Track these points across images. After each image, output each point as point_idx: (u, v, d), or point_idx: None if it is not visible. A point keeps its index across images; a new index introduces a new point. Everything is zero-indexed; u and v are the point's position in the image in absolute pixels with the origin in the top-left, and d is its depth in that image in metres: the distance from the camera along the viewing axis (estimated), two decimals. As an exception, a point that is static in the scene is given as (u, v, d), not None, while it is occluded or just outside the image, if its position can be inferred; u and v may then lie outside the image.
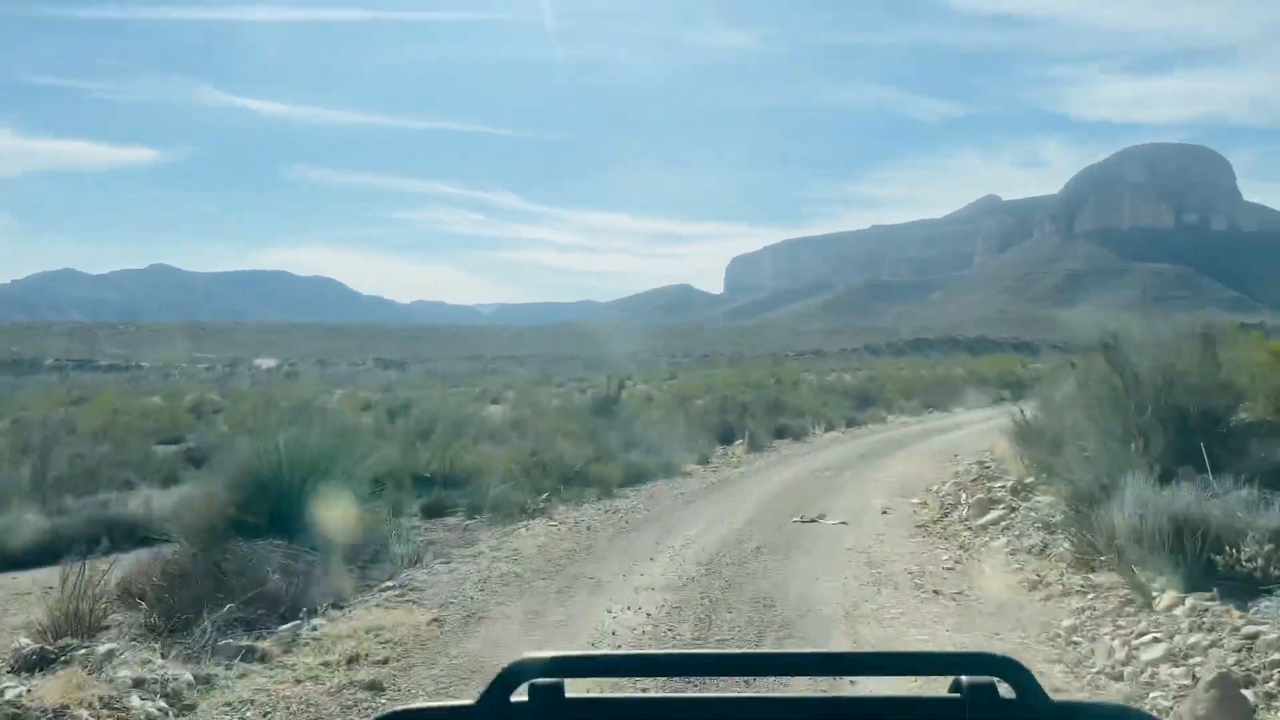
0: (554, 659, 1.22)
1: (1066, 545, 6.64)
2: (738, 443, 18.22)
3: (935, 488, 12.11)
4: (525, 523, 10.82)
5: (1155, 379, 7.43)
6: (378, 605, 6.88)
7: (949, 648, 5.51)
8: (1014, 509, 8.89)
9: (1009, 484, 10.10)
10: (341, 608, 6.95)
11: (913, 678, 1.30)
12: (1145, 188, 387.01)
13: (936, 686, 1.26)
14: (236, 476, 9.12)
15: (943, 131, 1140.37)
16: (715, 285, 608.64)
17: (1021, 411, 13.60)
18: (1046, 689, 1.17)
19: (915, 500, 11.43)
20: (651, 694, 1.35)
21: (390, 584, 7.60)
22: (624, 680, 1.38)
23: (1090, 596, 5.78)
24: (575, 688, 1.21)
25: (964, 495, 10.43)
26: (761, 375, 38.68)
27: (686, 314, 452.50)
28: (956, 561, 7.80)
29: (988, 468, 12.93)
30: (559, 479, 13.20)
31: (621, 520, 10.83)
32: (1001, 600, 6.16)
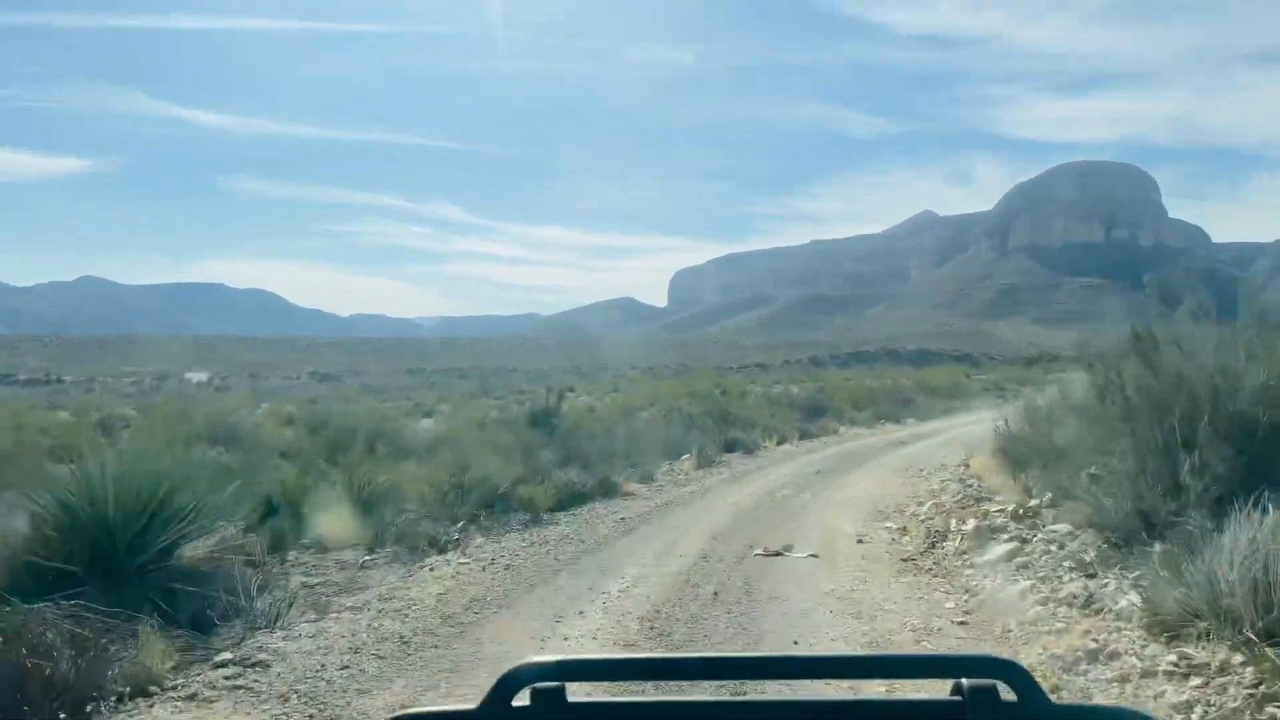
0: (555, 663, 1.21)
1: (1133, 600, 4.99)
2: (685, 457, 16.53)
3: (911, 510, 10.53)
4: (434, 558, 8.94)
5: (1210, 382, 5.91)
6: (193, 695, 4.94)
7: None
8: (1024, 540, 7.24)
9: (1007, 507, 8.49)
10: (149, 695, 5.02)
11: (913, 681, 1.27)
12: (1076, 204, 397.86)
13: (937, 689, 1.26)
14: (48, 511, 7.10)
15: (879, 148, 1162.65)
16: (659, 298, 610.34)
17: (1006, 421, 12.17)
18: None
19: (891, 525, 9.81)
20: (654, 698, 1.29)
21: (228, 656, 5.66)
22: (626, 684, 1.30)
23: (1196, 684, 4.04)
24: (577, 692, 1.20)
25: (953, 521, 8.81)
26: (707, 386, 37.15)
27: (630, 326, 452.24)
28: (968, 612, 6.13)
29: (969, 485, 11.41)
30: (481, 503, 11.33)
31: (549, 555, 8.99)
32: (1052, 679, 4.49)
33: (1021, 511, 8.00)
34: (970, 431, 24.08)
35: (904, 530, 9.27)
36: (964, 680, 1.18)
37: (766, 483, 14.04)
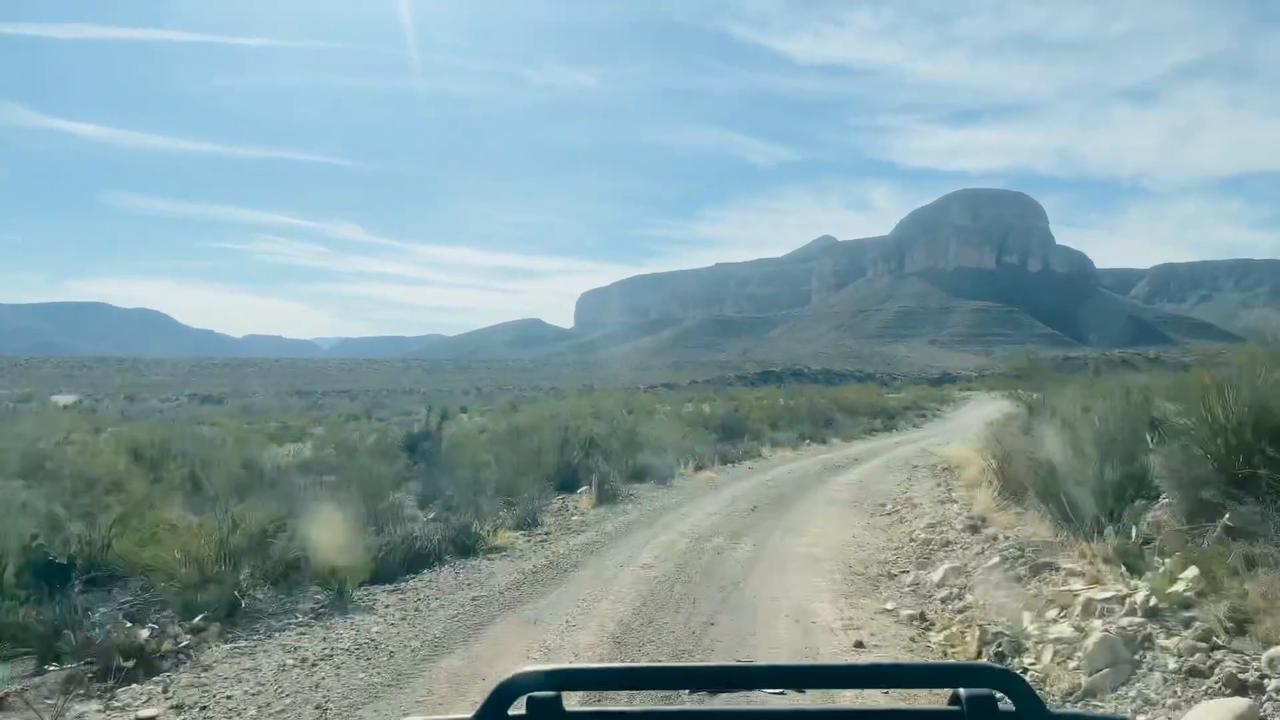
0: (551, 672, 1.21)
1: None
2: (582, 490, 12.79)
3: (911, 575, 7.10)
4: (128, 689, 4.99)
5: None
6: None
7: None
8: (1249, 684, 3.68)
9: (1118, 592, 4.90)
10: None
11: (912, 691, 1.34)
12: (968, 230, 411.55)
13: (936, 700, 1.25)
14: None
15: (780, 174, 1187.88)
16: (565, 320, 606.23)
17: (996, 444, 8.90)
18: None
19: (892, 605, 6.32)
20: (649, 707, 1.35)
21: None
22: (621, 694, 1.44)
23: None
24: (573, 701, 1.20)
25: (1024, 615, 5.24)
26: (613, 405, 33.53)
27: (535, 348, 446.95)
28: None
29: (980, 532, 7.98)
30: (268, 572, 7.36)
31: (315, 691, 5.07)
32: None
33: (1155, 603, 4.48)
34: (905, 453, 21.34)
35: (922, 619, 5.73)
36: (962, 690, 1.18)
37: (689, 526, 10.43)
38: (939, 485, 12.86)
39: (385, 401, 52.59)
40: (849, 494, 13.23)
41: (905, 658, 5.10)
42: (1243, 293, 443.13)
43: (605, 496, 12.34)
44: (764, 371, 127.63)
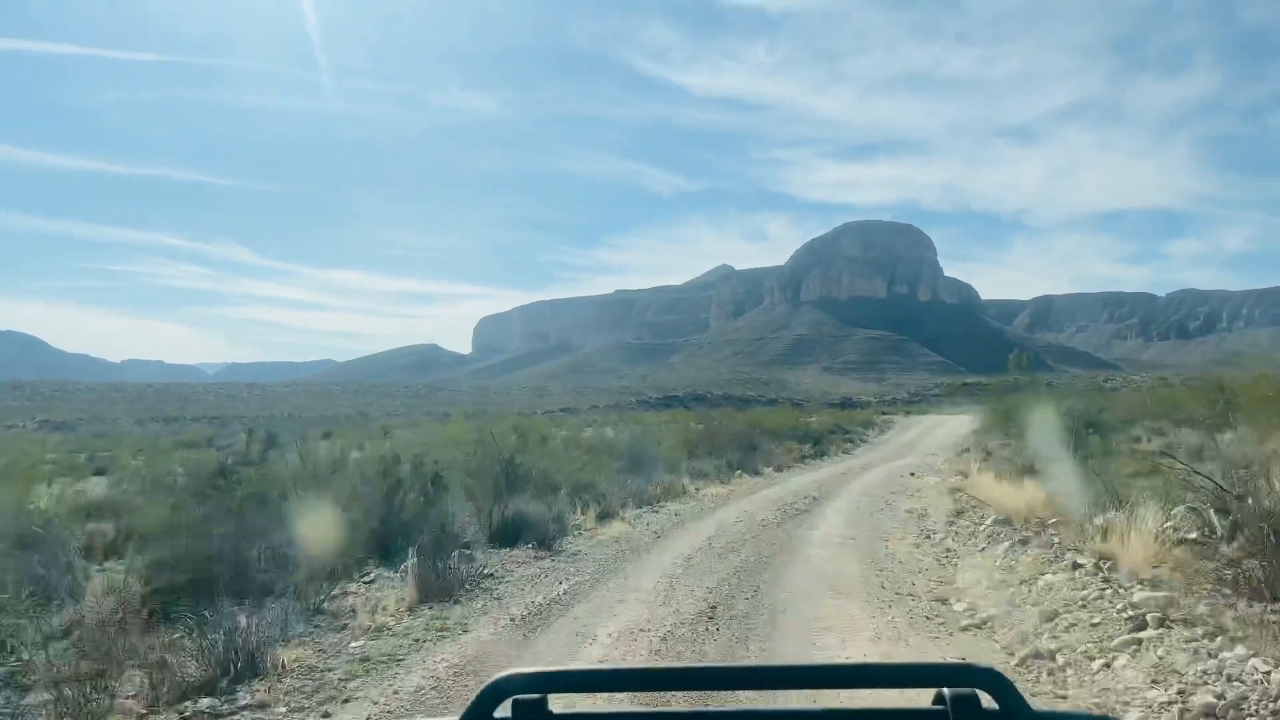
0: (537, 674, 1.22)
1: None
2: (407, 565, 7.82)
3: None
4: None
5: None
6: None
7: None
8: None
9: None
10: None
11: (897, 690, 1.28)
12: (861, 261, 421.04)
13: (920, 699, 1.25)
14: None
15: (680, 204, 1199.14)
16: (463, 345, 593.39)
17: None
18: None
19: None
20: (635, 709, 1.38)
21: None
22: (608, 695, 1.38)
23: None
24: (559, 703, 1.21)
25: None
26: (502, 430, 28.69)
27: (432, 373, 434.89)
28: None
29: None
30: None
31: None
32: None
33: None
34: (867, 485, 17.32)
35: None
36: (945, 689, 1.19)
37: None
38: (984, 543, 8.58)
39: (238, 428, 46.42)
40: (853, 564, 8.73)
41: None
42: (1116, 324, 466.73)
43: (437, 584, 7.38)
44: (666, 396, 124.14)
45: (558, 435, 32.64)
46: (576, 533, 10.51)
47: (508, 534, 9.19)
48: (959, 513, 11.07)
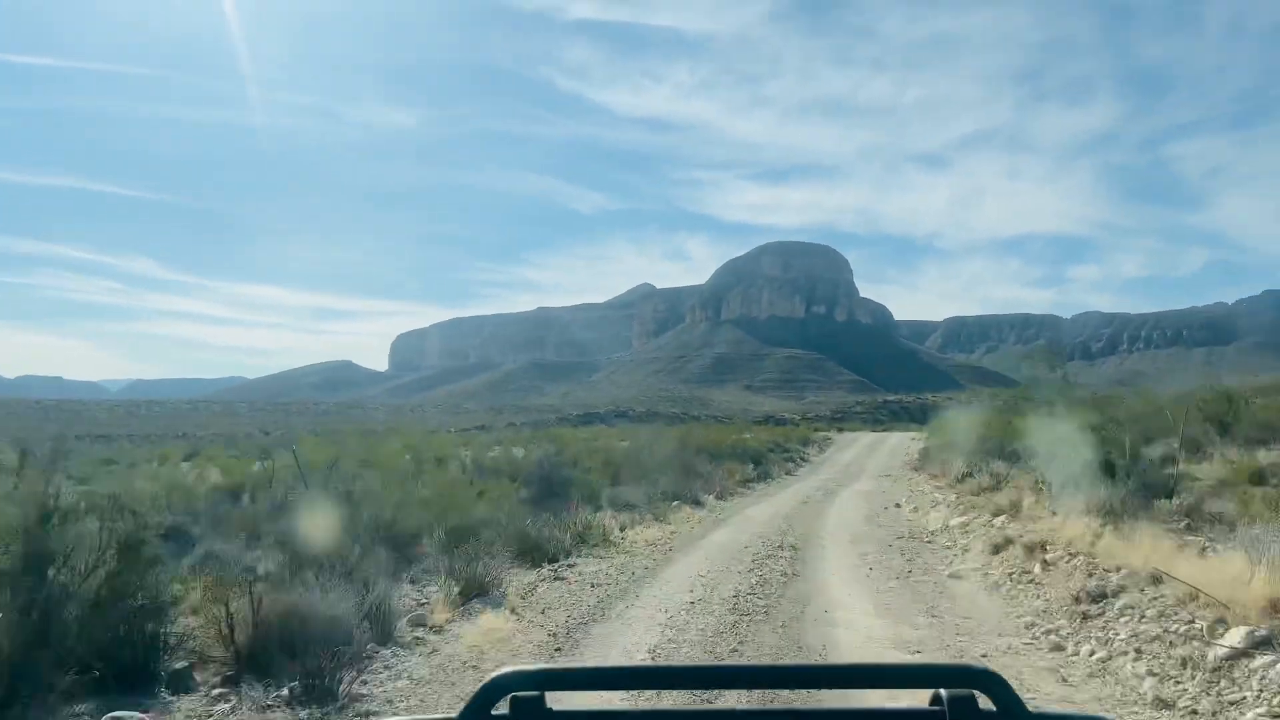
0: (536, 672, 1.23)
1: None
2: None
3: None
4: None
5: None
6: None
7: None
8: None
9: None
10: None
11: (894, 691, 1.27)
12: (780, 281, 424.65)
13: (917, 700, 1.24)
14: None
15: (602, 222, 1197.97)
16: (380, 362, 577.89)
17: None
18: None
19: None
20: (632, 707, 1.36)
21: None
22: (606, 693, 1.31)
23: None
24: (557, 701, 1.21)
25: None
26: (391, 452, 24.21)
27: (346, 391, 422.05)
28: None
29: None
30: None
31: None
32: None
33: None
34: (845, 521, 13.76)
35: None
36: (943, 690, 1.19)
37: None
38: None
39: (88, 448, 40.49)
40: None
41: None
42: (1023, 344, 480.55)
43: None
44: (587, 414, 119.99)
45: (461, 456, 28.43)
46: (409, 646, 6.22)
47: (263, 657, 5.07)
48: (1102, 596, 6.87)
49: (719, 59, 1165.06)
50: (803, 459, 31.72)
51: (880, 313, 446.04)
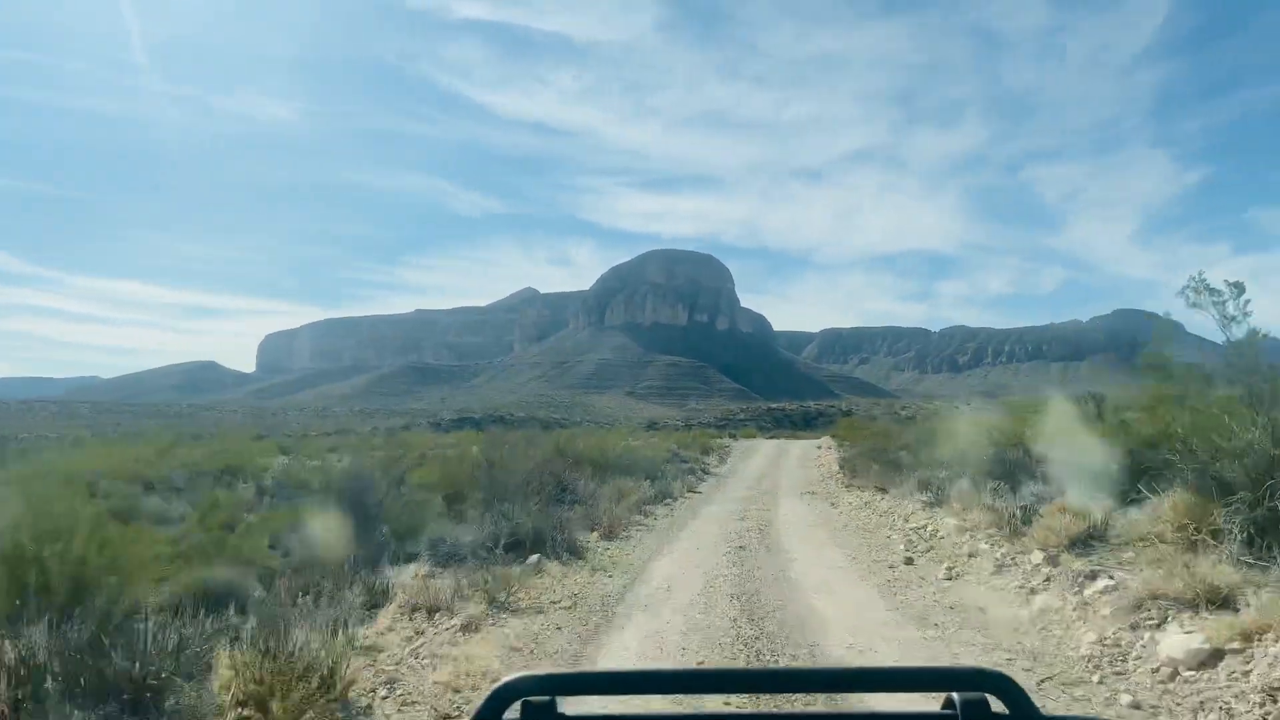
0: (547, 676, 1.23)
1: None
2: None
3: None
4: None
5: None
6: None
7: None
8: None
9: None
10: None
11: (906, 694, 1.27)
12: (664, 288, 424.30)
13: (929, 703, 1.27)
14: None
15: (486, 225, 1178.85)
16: (246, 363, 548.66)
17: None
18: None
19: None
20: (643, 711, 1.38)
21: None
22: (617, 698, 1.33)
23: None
24: (568, 705, 1.21)
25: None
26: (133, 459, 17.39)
27: (208, 393, 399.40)
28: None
29: None
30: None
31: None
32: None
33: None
34: (869, 615, 8.12)
35: None
36: (955, 694, 1.19)
37: None
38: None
39: None
40: None
41: None
42: (894, 356, 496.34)
43: None
44: (462, 418, 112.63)
45: (276, 467, 21.92)
46: None
47: None
48: None
49: (607, 66, 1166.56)
50: (705, 470, 26.39)
51: (760, 323, 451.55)
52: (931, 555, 9.89)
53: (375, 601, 7.27)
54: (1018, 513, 9.63)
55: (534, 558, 9.24)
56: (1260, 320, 7.58)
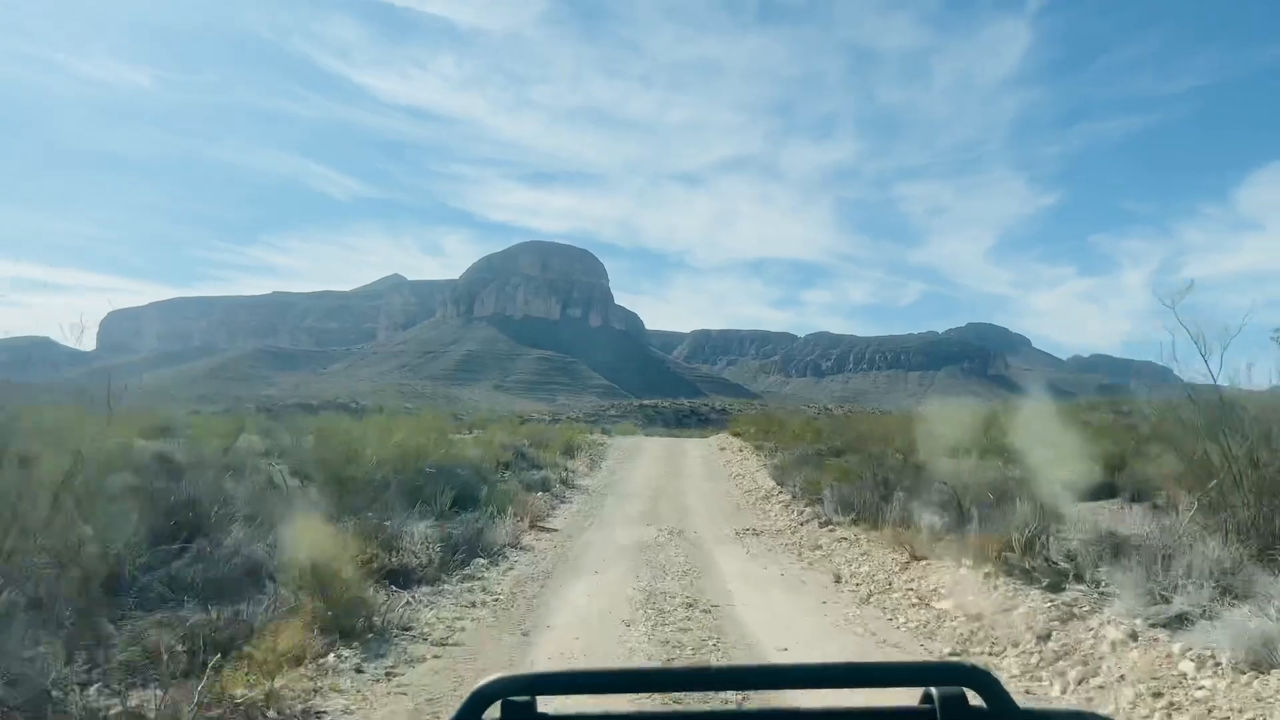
0: (526, 677, 1.23)
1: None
2: None
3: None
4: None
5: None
6: None
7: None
8: None
9: None
10: None
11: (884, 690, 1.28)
12: (537, 280, 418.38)
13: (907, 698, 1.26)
14: None
15: (354, 209, 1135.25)
16: (86, 341, 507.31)
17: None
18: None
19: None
20: (623, 710, 1.38)
21: None
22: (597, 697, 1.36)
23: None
24: (548, 705, 1.22)
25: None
26: None
27: (40, 372, 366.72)
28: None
29: None
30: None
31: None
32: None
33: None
34: None
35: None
36: (933, 689, 1.19)
37: None
38: None
39: None
40: None
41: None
42: (761, 359, 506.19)
43: None
44: (304, 403, 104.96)
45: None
46: None
47: None
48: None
49: (489, 55, 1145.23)
50: (567, 483, 20.62)
51: (632, 320, 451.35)
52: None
53: None
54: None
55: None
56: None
